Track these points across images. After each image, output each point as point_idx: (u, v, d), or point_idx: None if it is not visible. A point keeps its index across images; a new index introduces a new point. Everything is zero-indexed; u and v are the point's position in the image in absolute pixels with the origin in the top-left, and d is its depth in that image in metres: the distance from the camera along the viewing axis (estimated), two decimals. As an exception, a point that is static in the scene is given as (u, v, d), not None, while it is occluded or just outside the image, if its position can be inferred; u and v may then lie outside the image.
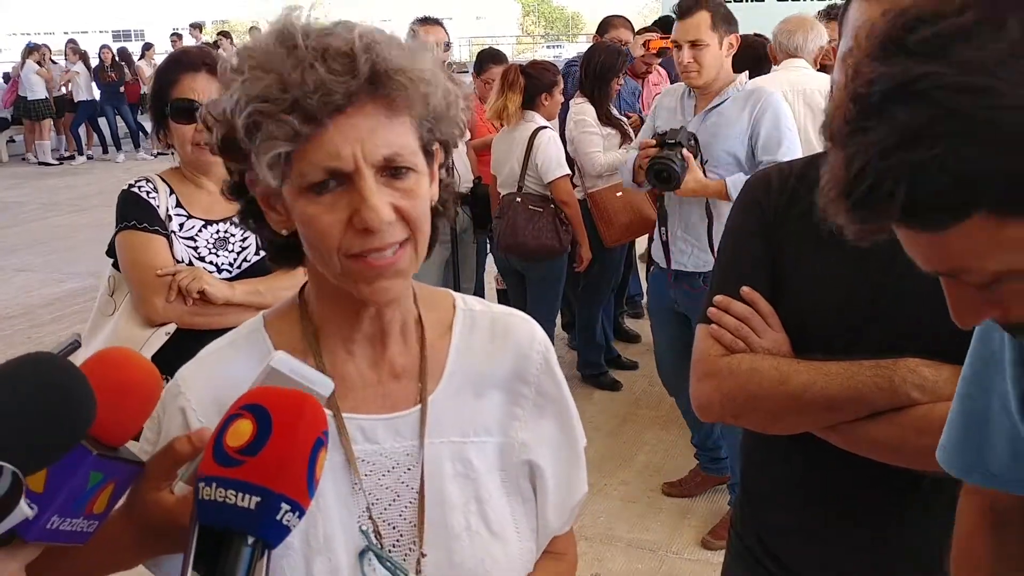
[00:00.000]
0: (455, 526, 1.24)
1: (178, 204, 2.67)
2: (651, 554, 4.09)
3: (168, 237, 2.61)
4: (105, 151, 17.52)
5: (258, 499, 0.91)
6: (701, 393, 1.64)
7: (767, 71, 4.96)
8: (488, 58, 6.17)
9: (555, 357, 1.38)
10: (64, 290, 8.03)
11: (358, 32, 1.07)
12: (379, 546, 1.20)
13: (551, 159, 4.99)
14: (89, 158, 16.99)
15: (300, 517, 0.95)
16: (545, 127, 5.08)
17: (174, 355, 2.55)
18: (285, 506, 0.93)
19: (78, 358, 0.95)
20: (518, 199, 5.05)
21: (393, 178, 1.10)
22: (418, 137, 1.13)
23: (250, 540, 0.92)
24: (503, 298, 5.67)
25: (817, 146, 4.30)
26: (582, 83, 5.43)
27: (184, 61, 2.66)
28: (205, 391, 1.22)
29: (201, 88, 2.58)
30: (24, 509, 0.80)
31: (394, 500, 1.23)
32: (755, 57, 5.06)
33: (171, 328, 2.58)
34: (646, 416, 5.45)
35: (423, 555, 1.22)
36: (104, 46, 18.16)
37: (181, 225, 2.65)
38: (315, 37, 1.06)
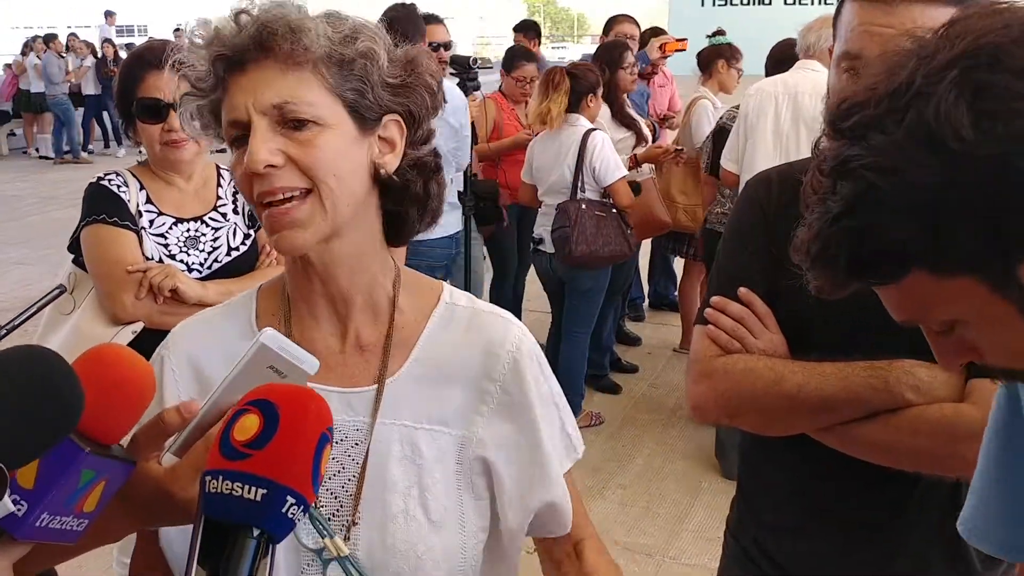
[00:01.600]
0: (392, 507, 1.26)
1: (148, 200, 2.60)
2: (648, 558, 4.07)
3: (138, 233, 2.55)
4: (107, 145, 17.52)
5: (264, 491, 0.92)
6: (697, 394, 1.64)
7: None
8: (520, 55, 6.04)
9: (530, 360, 1.35)
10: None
11: (265, 3, 1.18)
12: (313, 506, 1.20)
13: (609, 162, 4.86)
14: (89, 152, 16.98)
15: (304, 511, 0.96)
16: (595, 129, 4.95)
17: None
18: (290, 499, 0.93)
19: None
20: (582, 206, 4.87)
21: (293, 129, 1.16)
22: (333, 96, 1.19)
23: (255, 532, 0.93)
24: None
25: (801, 149, 4.30)
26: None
27: (147, 59, 2.55)
28: (184, 347, 1.33)
29: (166, 86, 2.49)
30: (7, 504, 0.79)
31: (339, 472, 1.26)
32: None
33: (138, 327, 2.51)
34: (645, 419, 5.44)
35: (354, 523, 1.25)
36: (106, 40, 18.17)
37: (151, 222, 2.58)
38: (231, 11, 1.19)
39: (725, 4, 11.80)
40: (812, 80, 4.45)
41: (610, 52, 5.40)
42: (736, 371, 1.57)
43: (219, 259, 2.63)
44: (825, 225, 0.90)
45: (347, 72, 1.19)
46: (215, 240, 2.64)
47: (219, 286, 2.56)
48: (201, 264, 2.60)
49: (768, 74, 5.15)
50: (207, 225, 2.65)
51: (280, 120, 1.16)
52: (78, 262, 2.61)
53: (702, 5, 11.66)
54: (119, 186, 2.57)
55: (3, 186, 13.82)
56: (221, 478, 0.93)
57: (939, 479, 1.48)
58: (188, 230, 2.62)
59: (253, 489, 0.92)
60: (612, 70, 5.34)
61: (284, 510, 0.93)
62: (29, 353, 0.84)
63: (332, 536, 1.23)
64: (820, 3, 11.61)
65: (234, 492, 0.92)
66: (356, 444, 1.27)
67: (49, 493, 0.88)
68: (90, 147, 17.32)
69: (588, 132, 4.92)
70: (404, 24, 4.67)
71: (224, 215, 2.68)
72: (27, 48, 16.94)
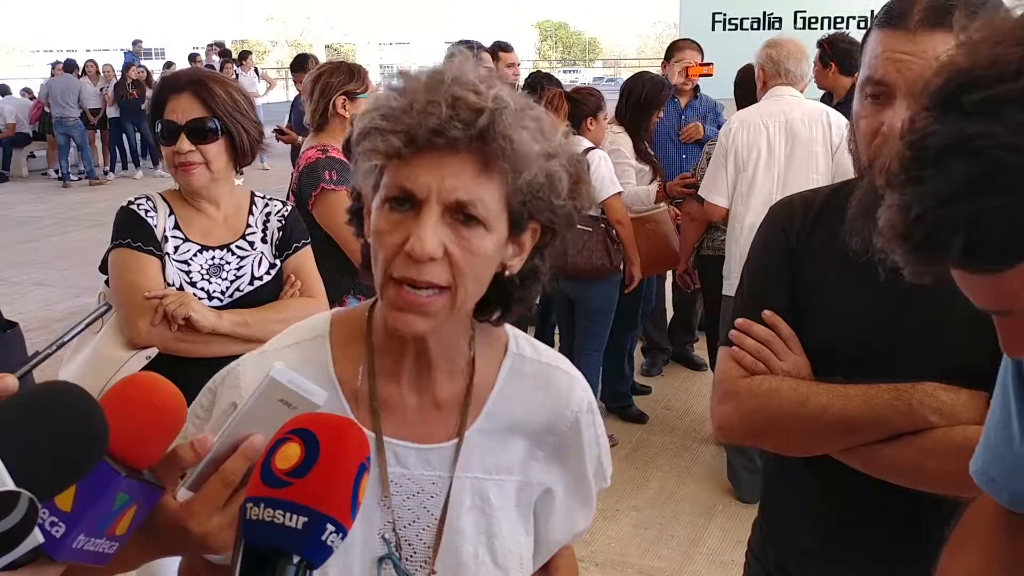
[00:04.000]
0: (464, 554, 1.32)
1: (176, 226, 2.62)
2: (663, 580, 4.07)
3: (162, 259, 2.57)
4: (124, 167, 17.65)
5: (305, 519, 0.94)
6: (721, 414, 1.66)
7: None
8: (544, 79, 6.10)
9: (590, 415, 1.43)
10: (82, 304, 8.08)
11: (494, 94, 1.15)
12: (399, 556, 1.29)
13: (603, 178, 4.93)
14: (105, 174, 17.11)
15: (343, 538, 0.97)
16: (593, 148, 5.00)
17: None
18: (330, 527, 0.95)
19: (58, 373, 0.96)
20: None
21: (461, 224, 1.15)
22: (504, 201, 1.18)
23: (295, 560, 0.95)
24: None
25: (799, 176, 4.30)
26: (620, 113, 5.39)
27: (170, 83, 2.63)
28: (257, 378, 1.28)
29: (182, 108, 2.54)
30: (37, 536, 0.81)
31: (414, 521, 1.31)
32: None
33: (152, 352, 2.53)
34: (659, 442, 5.43)
35: (433, 571, 1.31)
36: (127, 65, 18.36)
37: (176, 248, 2.60)
38: (458, 85, 1.15)
39: (736, 28, 11.80)
40: (800, 106, 4.46)
41: (658, 91, 5.39)
42: (761, 392, 1.58)
43: (241, 288, 2.64)
44: (933, 207, 0.83)
45: (526, 185, 1.18)
46: (239, 269, 2.65)
47: (235, 316, 2.57)
48: (222, 292, 2.61)
49: (739, 102, 5.19)
50: (233, 253, 2.66)
51: (454, 211, 1.15)
52: (109, 283, 2.64)
53: (712, 29, 11.64)
54: (147, 211, 2.60)
55: (23, 207, 13.93)
56: (263, 505, 0.95)
57: (963, 502, 1.49)
58: (213, 258, 2.63)
59: (294, 517, 0.94)
60: (651, 108, 5.35)
61: (324, 538, 0.95)
62: (56, 389, 0.87)
63: None
64: (830, 26, 11.59)
65: (276, 520, 0.94)
66: (432, 497, 1.32)
67: (86, 515, 0.91)
68: (105, 168, 17.44)
69: (586, 151, 4.95)
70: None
71: (252, 244, 2.69)
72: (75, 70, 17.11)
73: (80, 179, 16.56)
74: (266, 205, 2.76)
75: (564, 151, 1.23)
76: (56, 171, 16.78)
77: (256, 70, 17.78)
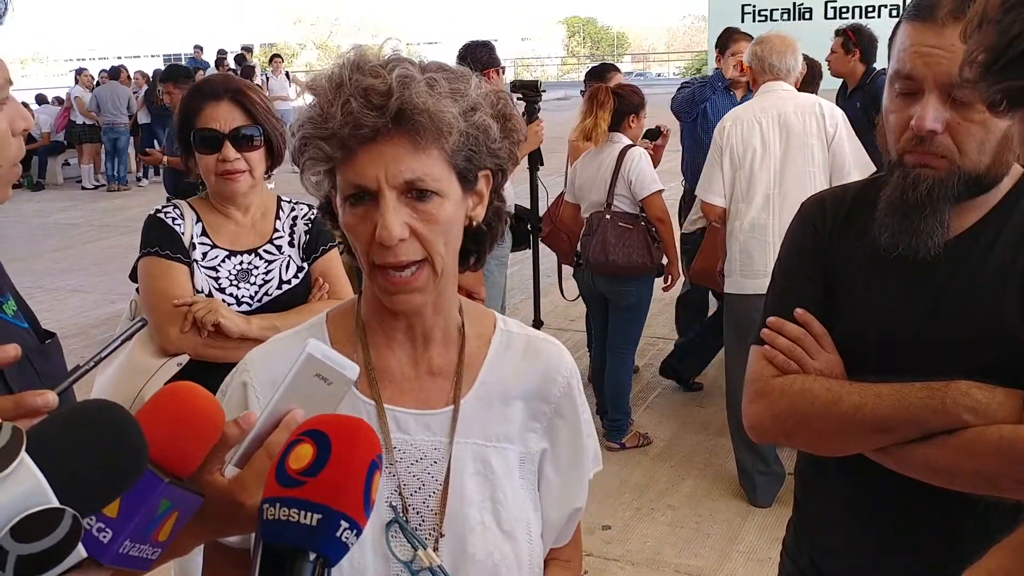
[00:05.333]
0: (471, 519, 1.37)
1: (203, 232, 2.64)
2: (699, 578, 4.05)
3: (190, 265, 2.59)
4: (157, 173, 17.82)
5: (319, 516, 0.96)
6: (753, 414, 1.65)
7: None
8: (606, 68, 6.22)
9: (579, 383, 1.49)
10: (117, 310, 8.15)
11: (397, 73, 1.22)
12: (405, 520, 1.33)
13: (645, 175, 4.98)
14: (138, 180, 17.30)
15: (358, 535, 1.00)
16: (633, 145, 5.08)
17: None
18: (344, 523, 0.97)
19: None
20: (607, 216, 5.02)
21: (417, 200, 1.25)
22: (449, 166, 1.27)
23: (311, 556, 0.97)
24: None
25: (797, 170, 4.26)
26: None
27: (207, 90, 2.64)
28: (265, 372, 1.38)
29: (223, 116, 2.56)
30: (80, 552, 0.83)
31: (420, 488, 1.36)
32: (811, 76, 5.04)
33: (183, 359, 2.55)
34: (693, 440, 5.41)
35: (441, 535, 1.35)
36: (157, 70, 18.56)
37: (204, 254, 2.63)
38: (360, 74, 1.23)
39: (765, 19, 11.76)
40: (792, 100, 4.42)
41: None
42: (793, 391, 1.57)
43: (269, 292, 2.65)
44: None
45: (462, 144, 1.27)
46: (267, 273, 2.66)
47: (263, 320, 2.57)
48: (251, 297, 2.62)
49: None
50: (261, 258, 2.67)
51: (406, 191, 1.24)
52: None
53: (742, 21, 11.61)
54: (174, 219, 2.63)
55: (58, 215, 14.13)
56: (278, 505, 0.97)
57: (998, 502, 1.47)
58: (241, 263, 2.65)
59: (309, 514, 0.96)
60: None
61: (339, 534, 0.97)
62: (96, 407, 0.89)
63: (425, 548, 1.32)
64: (861, 16, 11.49)
65: (291, 518, 0.96)
66: (435, 462, 1.37)
67: (133, 520, 0.93)
68: (138, 174, 17.63)
69: (626, 148, 5.05)
70: (486, 59, 5.18)
71: (279, 248, 2.71)
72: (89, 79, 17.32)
73: (105, 186, 16.71)
74: (292, 209, 2.78)
75: (484, 100, 1.30)
76: (103, 175, 16.96)
77: (287, 74, 17.90)
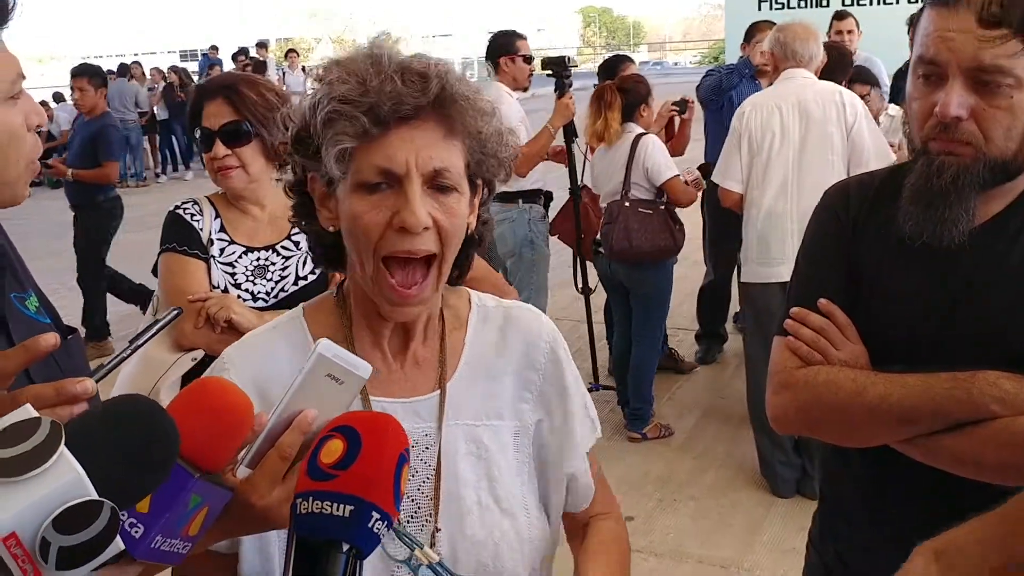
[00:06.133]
0: (467, 500, 1.36)
1: (222, 228, 2.66)
2: (722, 570, 4.04)
3: (208, 261, 2.62)
4: (175, 169, 17.92)
5: (351, 507, 0.98)
6: (776, 405, 1.64)
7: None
8: (621, 60, 6.30)
9: (561, 345, 1.49)
10: (136, 307, 8.21)
11: (434, 61, 1.24)
12: (396, 521, 1.28)
13: (659, 162, 5.03)
14: (156, 176, 17.38)
15: (388, 527, 1.02)
16: (645, 133, 5.12)
17: None
18: (375, 514, 1.00)
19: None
20: (626, 204, 5.07)
21: (438, 192, 1.24)
22: (465, 163, 1.27)
23: (344, 548, 0.99)
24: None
25: (815, 157, 4.23)
26: None
27: (206, 90, 2.68)
28: (246, 369, 1.37)
29: (215, 114, 2.59)
30: (118, 543, 0.85)
31: (412, 476, 1.33)
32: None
33: (198, 354, 2.56)
34: (714, 431, 5.39)
35: (437, 529, 1.34)
36: (172, 66, 18.65)
37: (222, 250, 2.64)
38: (399, 57, 1.23)
39: (783, 7, 11.65)
40: (812, 87, 4.39)
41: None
42: (817, 382, 1.56)
43: (286, 288, 2.65)
44: None
45: (479, 146, 1.28)
46: (284, 269, 2.67)
47: (277, 316, 2.59)
48: (267, 293, 2.63)
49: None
50: (278, 254, 2.68)
51: (431, 182, 1.23)
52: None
53: (759, 9, 11.51)
54: (193, 215, 2.65)
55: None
56: (311, 499, 1.00)
57: None
58: (258, 259, 2.66)
59: (341, 506, 0.99)
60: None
61: (370, 525, 0.99)
62: (130, 401, 0.92)
63: (422, 547, 1.31)
64: (879, 3, 11.40)
65: (324, 510, 0.99)
66: (426, 448, 1.36)
67: (164, 515, 0.95)
68: (156, 170, 17.72)
69: (639, 136, 5.09)
70: (503, 46, 5.40)
71: (297, 243, 2.71)
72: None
73: (129, 183, 16.80)
74: None
75: (497, 109, 1.32)
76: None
77: (303, 68, 17.94)
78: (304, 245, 2.71)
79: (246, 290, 2.62)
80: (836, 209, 1.68)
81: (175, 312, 1.29)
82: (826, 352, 1.58)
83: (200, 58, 21.87)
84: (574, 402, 1.47)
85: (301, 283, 2.68)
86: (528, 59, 5.47)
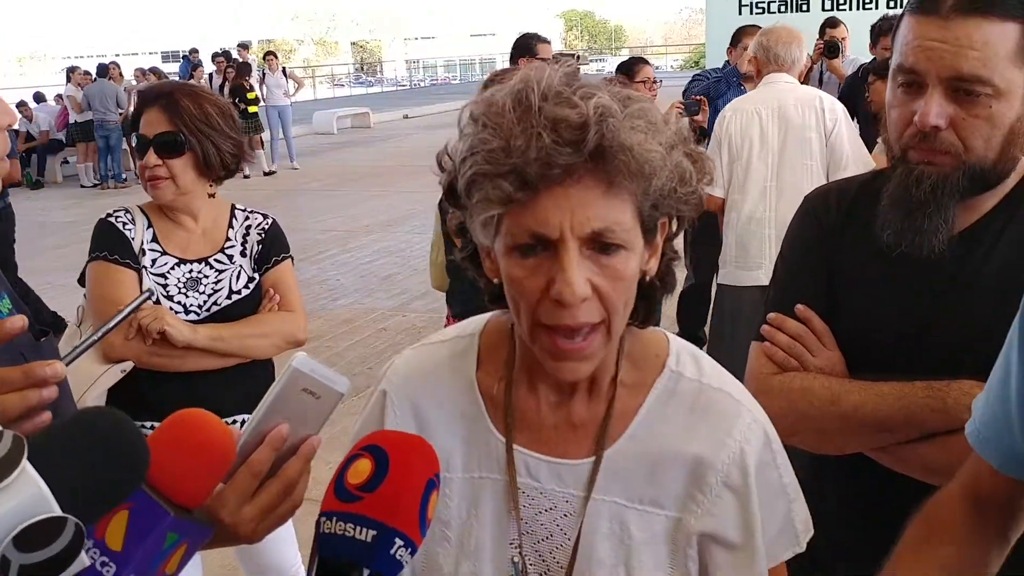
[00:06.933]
0: None
1: (154, 239, 2.62)
2: None
3: (139, 271, 2.56)
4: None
5: (374, 532, 0.97)
6: None
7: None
8: (636, 60, 6.20)
9: (762, 450, 1.23)
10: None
11: (594, 103, 1.04)
12: (524, 573, 1.24)
13: None
14: (137, 176, 17.25)
15: (412, 554, 0.99)
16: None
17: (130, 395, 2.48)
18: (399, 541, 0.97)
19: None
20: None
21: (601, 253, 1.08)
22: (636, 214, 1.10)
23: (365, 573, 0.97)
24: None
25: (795, 162, 4.24)
26: None
27: (147, 96, 2.65)
28: (407, 392, 1.31)
29: (151, 122, 2.56)
30: (83, 559, 0.82)
31: (548, 537, 1.24)
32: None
33: (127, 366, 2.51)
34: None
35: None
36: (153, 68, 18.53)
37: (153, 261, 2.59)
38: (551, 103, 1.05)
39: (763, 12, 11.70)
40: (793, 92, 4.41)
41: None
42: (793, 389, 1.56)
43: (219, 302, 2.61)
44: None
45: (651, 190, 1.09)
46: (217, 283, 2.63)
47: (211, 330, 2.55)
48: (199, 307, 2.59)
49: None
50: (211, 267, 2.64)
51: (591, 243, 1.07)
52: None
53: (739, 13, 11.54)
54: (124, 223, 2.60)
55: (60, 213, 14.10)
56: (335, 519, 0.98)
57: None
58: (190, 271, 2.61)
59: (364, 530, 0.97)
60: None
61: (393, 552, 0.97)
62: (94, 413, 0.89)
63: None
64: (858, 8, 11.47)
65: (347, 533, 0.97)
66: (565, 515, 1.23)
67: (137, 554, 0.92)
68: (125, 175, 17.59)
69: None
70: (522, 48, 5.25)
71: (230, 257, 2.68)
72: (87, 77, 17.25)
73: (109, 185, 16.68)
74: (246, 218, 2.75)
75: (677, 135, 1.12)
76: (96, 174, 16.93)
77: (284, 70, 17.87)
78: (238, 259, 2.68)
79: (178, 302, 2.57)
80: (816, 215, 1.68)
81: (147, 295, 1.27)
82: (802, 358, 1.58)
83: (182, 60, 21.73)
84: (763, 515, 1.22)
85: (235, 297, 2.64)
86: (546, 61, 5.43)
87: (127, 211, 2.65)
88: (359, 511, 0.97)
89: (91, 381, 2.48)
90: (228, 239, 2.70)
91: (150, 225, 2.63)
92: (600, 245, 1.07)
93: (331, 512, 0.99)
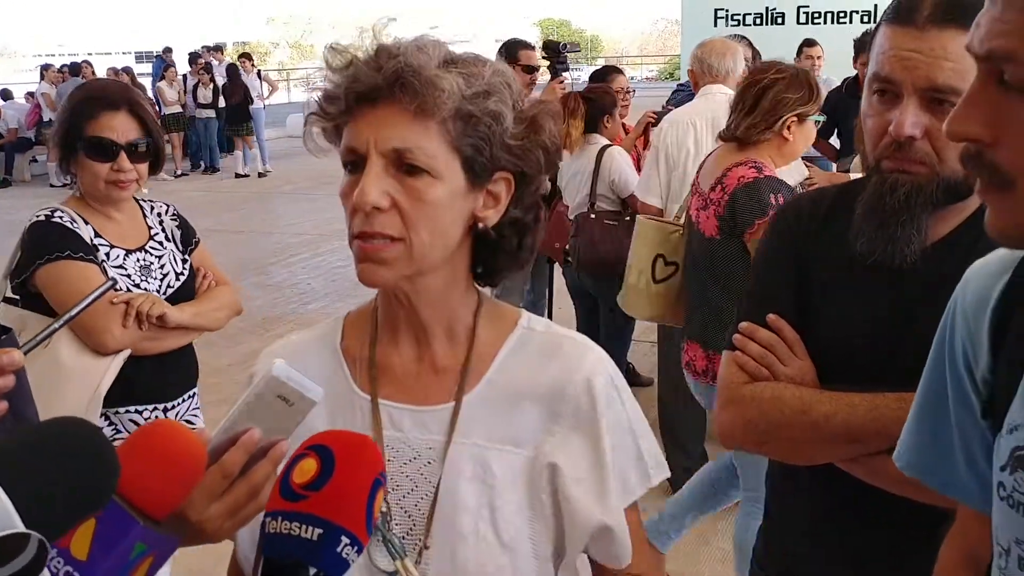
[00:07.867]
0: (463, 527, 1.26)
1: (97, 234, 2.63)
2: (670, 583, 4.02)
3: (100, 265, 2.58)
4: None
5: (320, 531, 0.97)
6: (723, 420, 1.63)
7: None
8: (610, 70, 6.28)
9: (606, 385, 1.31)
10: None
11: (418, 43, 1.21)
12: (388, 527, 1.27)
13: (626, 173, 5.05)
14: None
15: (359, 552, 0.99)
16: (610, 145, 5.15)
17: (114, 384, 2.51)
18: (345, 539, 0.97)
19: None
20: (592, 216, 5.09)
21: (406, 174, 1.19)
22: (451, 148, 1.20)
23: (312, 572, 0.97)
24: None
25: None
26: None
27: (104, 99, 2.62)
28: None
29: (121, 127, 2.57)
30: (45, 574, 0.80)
31: (412, 490, 1.28)
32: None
33: (126, 354, 2.54)
34: (659, 442, 5.39)
35: (426, 547, 1.26)
36: (126, 67, 18.37)
37: (107, 254, 2.62)
38: (381, 40, 1.23)
39: (738, 24, 11.80)
40: (727, 103, 4.43)
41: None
42: (764, 399, 1.55)
43: (171, 284, 2.71)
44: None
45: (470, 128, 1.20)
46: (163, 267, 2.72)
47: (192, 307, 2.68)
48: (158, 291, 2.66)
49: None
50: (150, 254, 2.70)
51: (396, 162, 1.18)
52: (28, 306, 2.54)
53: (714, 25, 11.62)
54: (71, 221, 2.59)
55: (25, 212, 13.76)
56: (280, 518, 0.98)
57: None
58: (140, 259, 2.68)
59: (310, 529, 0.97)
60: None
61: (339, 550, 0.97)
62: (62, 423, 0.88)
63: (403, 558, 1.25)
64: (833, 21, 11.60)
65: (292, 532, 0.97)
66: (429, 463, 1.28)
67: (103, 564, 0.91)
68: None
69: (603, 149, 5.12)
70: (506, 54, 5.33)
71: (160, 243, 2.76)
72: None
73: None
74: (153, 207, 2.83)
75: (504, 90, 1.23)
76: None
77: (259, 73, 17.78)
78: (167, 244, 2.77)
79: (144, 288, 2.62)
80: (789, 225, 1.68)
81: (109, 284, 1.25)
82: (773, 368, 1.57)
83: (155, 59, 21.58)
84: (613, 447, 1.29)
85: (182, 279, 2.74)
86: (528, 69, 5.48)
87: (60, 210, 2.63)
88: (305, 510, 0.97)
89: (102, 375, 2.50)
90: (150, 227, 2.78)
91: (87, 221, 2.64)
92: (405, 166, 1.18)
93: (276, 512, 0.99)
